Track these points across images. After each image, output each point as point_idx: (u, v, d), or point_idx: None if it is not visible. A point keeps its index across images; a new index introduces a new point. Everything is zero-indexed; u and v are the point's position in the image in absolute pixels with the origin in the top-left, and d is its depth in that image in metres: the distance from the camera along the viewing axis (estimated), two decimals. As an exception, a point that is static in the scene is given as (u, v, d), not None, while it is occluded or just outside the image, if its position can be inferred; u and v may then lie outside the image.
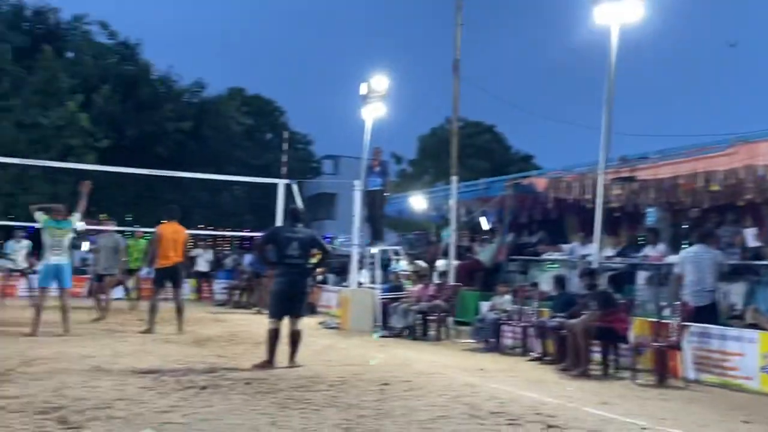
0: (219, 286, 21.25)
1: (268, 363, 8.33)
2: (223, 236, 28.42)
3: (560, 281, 10.90)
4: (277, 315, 8.56)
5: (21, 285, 16.74)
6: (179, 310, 11.83)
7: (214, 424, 5.31)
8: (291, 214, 9.31)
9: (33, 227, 11.99)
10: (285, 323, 8.57)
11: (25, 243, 15.87)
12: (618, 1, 10.44)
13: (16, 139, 25.19)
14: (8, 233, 17.62)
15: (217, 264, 22.60)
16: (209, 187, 28.85)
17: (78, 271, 24.06)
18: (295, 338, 8.63)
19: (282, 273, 8.54)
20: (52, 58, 26.90)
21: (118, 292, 16.64)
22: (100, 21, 30.68)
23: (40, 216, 11.08)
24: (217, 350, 9.83)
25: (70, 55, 29.48)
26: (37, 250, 13.59)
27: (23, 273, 15.64)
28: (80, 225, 14.92)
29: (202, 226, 28.39)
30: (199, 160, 30.61)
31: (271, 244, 8.78)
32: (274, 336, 8.47)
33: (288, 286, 8.52)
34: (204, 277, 21.65)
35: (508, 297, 11.88)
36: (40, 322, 10.61)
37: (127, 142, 28.07)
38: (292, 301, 8.56)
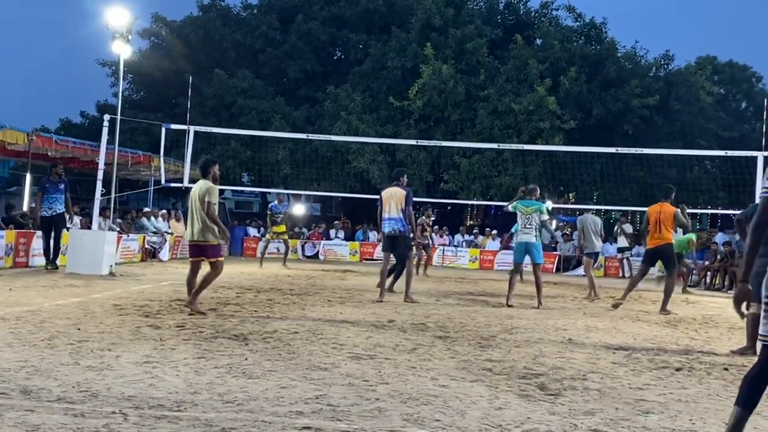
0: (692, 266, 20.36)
1: (750, 349, 7.72)
2: (693, 214, 27.11)
3: None
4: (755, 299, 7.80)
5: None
6: (667, 291, 11.65)
7: (691, 406, 5.11)
8: None
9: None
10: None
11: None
12: None
13: (491, 126, 27.38)
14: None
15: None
16: (677, 162, 27.71)
17: (548, 248, 25.46)
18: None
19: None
20: (522, 46, 28.53)
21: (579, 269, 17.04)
22: (567, 5, 31.51)
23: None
24: (690, 332, 9.45)
25: (538, 42, 30.90)
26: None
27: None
28: (549, 204, 15.66)
29: (684, 204, 27.43)
30: (666, 136, 29.60)
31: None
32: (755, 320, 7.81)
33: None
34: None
35: None
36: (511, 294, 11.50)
37: (593, 121, 28.43)
38: None
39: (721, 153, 22.05)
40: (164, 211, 23.01)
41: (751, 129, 32.90)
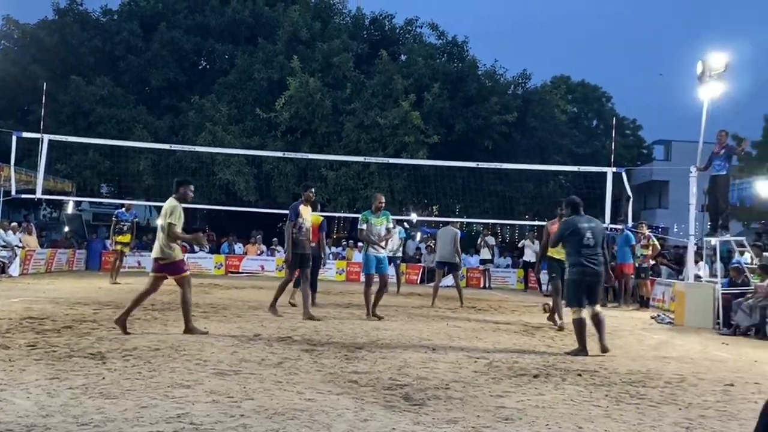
0: (546, 276, 21.33)
1: (582, 351, 8.41)
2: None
3: None
4: (577, 304, 8.58)
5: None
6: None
7: (548, 411, 5.34)
8: (574, 204, 9.01)
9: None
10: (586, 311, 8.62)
11: None
12: None
13: (357, 139, 27.64)
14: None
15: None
16: (535, 177, 28.98)
17: (413, 259, 25.92)
18: (597, 321, 8.66)
19: (578, 263, 8.59)
20: (387, 62, 29.01)
21: (448, 280, 17.54)
22: (430, 23, 32.33)
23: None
24: (547, 340, 9.89)
25: (403, 58, 31.51)
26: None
27: None
28: (414, 217, 15.99)
29: (528, 216, 28.69)
30: (524, 151, 30.89)
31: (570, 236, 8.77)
32: (580, 324, 8.53)
33: (586, 275, 8.56)
34: (531, 267, 21.89)
35: None
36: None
37: (455, 136, 29.26)
38: (590, 290, 8.64)
39: (575, 168, 23.26)
40: (15, 223, 21.67)
41: (602, 146, 34.92)
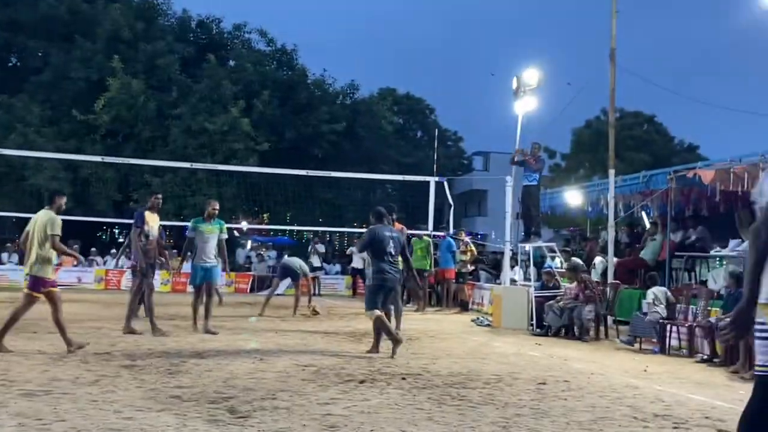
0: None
1: (374, 349, 9.04)
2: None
3: (735, 277, 10.21)
4: (374, 306, 9.03)
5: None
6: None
7: (373, 417, 5.41)
8: (379, 214, 9.45)
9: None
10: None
11: None
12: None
13: (184, 145, 26.86)
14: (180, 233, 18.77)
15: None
16: (363, 185, 29.48)
17: (242, 268, 25.50)
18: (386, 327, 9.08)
19: (381, 270, 9.06)
20: (216, 66, 28.45)
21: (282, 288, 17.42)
22: (259, 29, 32.08)
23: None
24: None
25: (232, 63, 31.04)
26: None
27: None
28: (245, 225, 15.73)
29: (356, 223, 29.11)
30: (353, 160, 31.36)
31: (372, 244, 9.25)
32: (383, 321, 9.00)
33: (386, 282, 9.10)
34: (359, 274, 22.18)
35: (659, 294, 11.37)
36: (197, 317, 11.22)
37: (286, 144, 29.19)
38: (387, 296, 9.19)
39: (400, 177, 23.87)
40: None
41: (426, 156, 36.12)
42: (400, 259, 9.66)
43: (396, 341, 8.87)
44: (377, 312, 8.98)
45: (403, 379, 7.15)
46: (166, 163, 24.28)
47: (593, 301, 12.07)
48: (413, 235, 17.06)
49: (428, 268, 16.98)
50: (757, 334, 3.28)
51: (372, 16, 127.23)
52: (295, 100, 29.77)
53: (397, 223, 12.02)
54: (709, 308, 10.65)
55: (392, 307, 9.99)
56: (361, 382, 6.89)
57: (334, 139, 29.65)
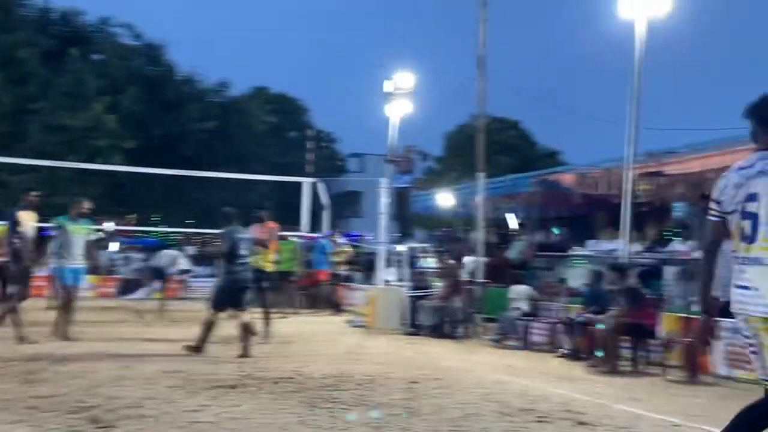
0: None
1: (198, 350, 8.97)
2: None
3: (596, 276, 10.76)
4: (221, 308, 9.19)
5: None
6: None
7: (243, 423, 5.33)
8: (229, 216, 9.51)
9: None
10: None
11: None
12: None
13: (44, 142, 25.51)
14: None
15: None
16: (235, 186, 29.00)
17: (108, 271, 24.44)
18: (246, 328, 9.12)
19: (234, 270, 9.17)
20: (79, 61, 27.21)
21: (141, 292, 16.83)
22: (126, 23, 30.96)
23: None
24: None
25: (96, 57, 29.78)
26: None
27: None
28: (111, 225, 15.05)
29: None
30: (224, 160, 30.79)
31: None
32: (212, 326, 9.07)
33: (238, 282, 9.20)
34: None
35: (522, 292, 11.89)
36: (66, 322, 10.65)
37: (153, 142, 28.31)
38: (237, 297, 9.22)
39: (274, 178, 23.64)
40: None
41: (300, 157, 35.96)
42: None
43: (244, 355, 8.86)
44: (220, 314, 9.11)
45: (275, 383, 7.08)
46: (25, 161, 22.90)
47: (459, 294, 12.29)
48: (281, 237, 16.87)
49: (295, 270, 16.73)
50: (751, 349, 3.37)
51: (246, 14, 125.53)
52: (164, 96, 28.95)
53: (270, 223, 11.91)
54: (569, 305, 11.19)
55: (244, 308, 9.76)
56: (232, 387, 6.76)
57: (204, 138, 29.04)
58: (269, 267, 11.34)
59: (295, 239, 17.32)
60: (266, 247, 11.08)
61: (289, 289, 16.26)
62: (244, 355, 8.83)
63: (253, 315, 10.88)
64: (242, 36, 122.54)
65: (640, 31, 10.47)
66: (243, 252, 9.26)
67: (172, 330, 12.24)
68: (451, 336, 12.18)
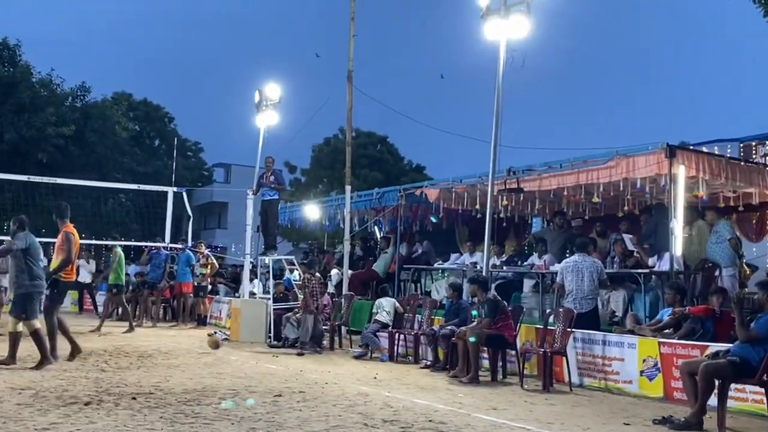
0: (102, 298, 20.37)
1: (10, 360, 8.76)
2: (107, 246, 27.33)
3: (456, 289, 11.06)
4: (36, 316, 8.97)
5: None
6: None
7: (98, 441, 5.09)
8: (22, 222, 9.24)
9: None
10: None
11: None
12: (505, 17, 10.74)
13: None
14: None
15: (100, 275, 21.72)
16: (93, 194, 27.72)
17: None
18: (36, 337, 8.93)
19: (38, 276, 8.97)
20: None
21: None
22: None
23: None
24: (101, 364, 9.44)
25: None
26: None
27: None
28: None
29: (85, 235, 27.27)
30: (82, 167, 29.40)
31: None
32: (39, 335, 8.85)
33: (32, 289, 8.94)
34: (86, 289, 20.79)
35: (386, 305, 12.07)
36: None
37: (5, 147, 26.67)
38: (30, 304, 8.95)
39: (135, 187, 22.80)
40: None
41: (164, 165, 34.92)
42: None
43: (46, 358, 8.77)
44: (37, 324, 8.87)
45: (134, 398, 6.81)
46: None
47: (312, 313, 12.18)
48: (107, 248, 16.20)
49: (121, 282, 15.84)
50: None
51: (109, 17, 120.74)
52: (17, 98, 27.31)
53: (68, 225, 10.68)
54: (432, 317, 11.44)
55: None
56: (86, 404, 6.44)
57: (61, 144, 27.61)
58: (65, 275, 10.15)
59: (118, 249, 16.43)
60: (64, 254, 9.89)
61: (116, 300, 15.59)
62: (41, 365, 8.66)
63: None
64: (104, 40, 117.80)
65: (502, 52, 10.90)
66: (34, 260, 8.94)
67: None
68: (315, 349, 12.15)
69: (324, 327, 12.48)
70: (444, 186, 13.66)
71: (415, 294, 13.88)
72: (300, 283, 14.38)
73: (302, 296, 12.87)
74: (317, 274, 13.29)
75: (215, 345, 11.73)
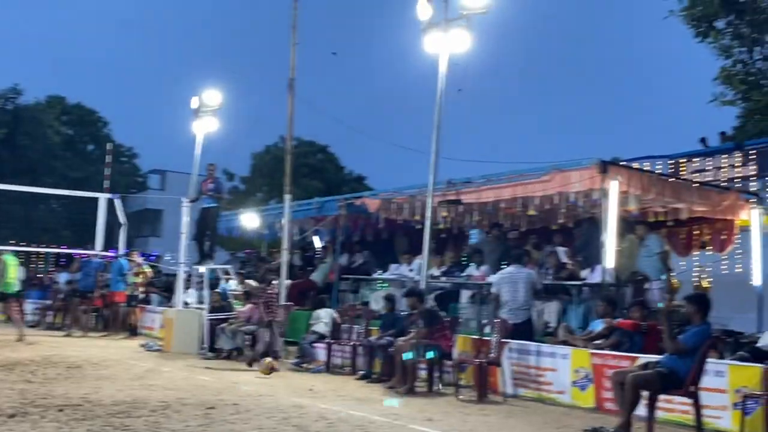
0: (31, 306, 19.73)
1: None
2: (37, 253, 26.53)
3: (390, 300, 11.09)
4: None
5: None
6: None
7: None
8: None
9: None
10: None
11: None
12: (446, 31, 10.84)
13: None
14: None
15: (29, 283, 21.05)
16: (23, 199, 26.93)
17: None
18: None
19: None
20: None
21: None
22: None
23: None
24: (27, 375, 9.14)
25: None
26: None
27: None
28: None
29: (14, 241, 26.45)
30: (13, 171, 28.56)
31: None
32: None
33: None
34: (13, 297, 20.07)
35: (324, 315, 12.02)
36: None
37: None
38: None
39: (67, 192, 22.23)
40: None
41: (97, 171, 34.09)
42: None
43: None
44: None
45: (61, 410, 6.60)
46: None
47: (268, 326, 12.04)
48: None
49: (11, 291, 15.40)
50: None
51: (37, 18, 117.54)
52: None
53: None
54: (370, 328, 11.42)
55: None
56: (11, 416, 6.22)
57: (-10, 147, 26.77)
58: None
59: (4, 255, 15.88)
60: None
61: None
62: None
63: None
64: (38, 42, 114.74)
65: (443, 65, 11.00)
66: None
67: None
68: (251, 360, 11.95)
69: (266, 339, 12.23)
70: (384, 196, 13.67)
71: (354, 304, 13.83)
72: (236, 292, 14.21)
73: (258, 308, 12.47)
74: (274, 283, 13.04)
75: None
